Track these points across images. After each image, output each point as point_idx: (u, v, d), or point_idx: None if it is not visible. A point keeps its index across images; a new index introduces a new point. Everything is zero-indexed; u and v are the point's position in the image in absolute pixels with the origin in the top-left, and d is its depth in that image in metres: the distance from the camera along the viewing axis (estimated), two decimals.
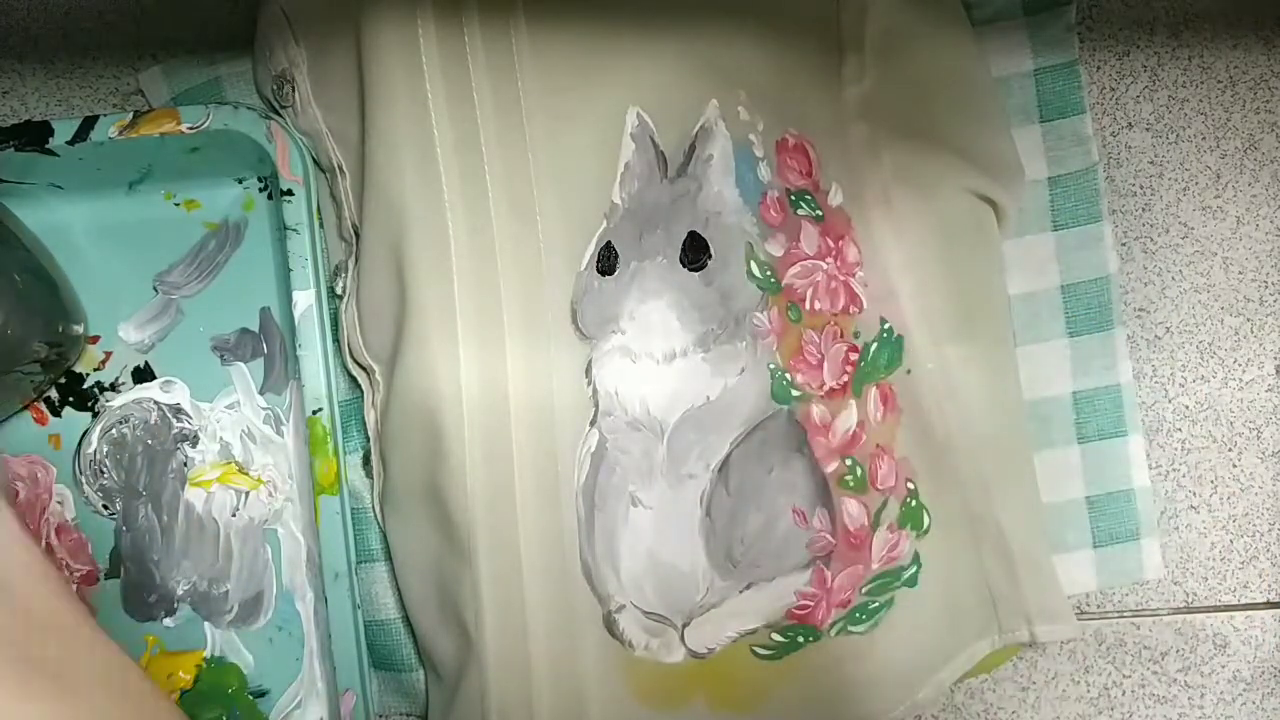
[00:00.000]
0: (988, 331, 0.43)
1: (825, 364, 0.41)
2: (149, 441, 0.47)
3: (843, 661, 0.41)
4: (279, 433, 0.47)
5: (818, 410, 0.41)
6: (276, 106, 0.45)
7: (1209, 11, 0.47)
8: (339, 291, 0.44)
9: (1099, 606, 0.48)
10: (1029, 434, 0.45)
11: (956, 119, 0.43)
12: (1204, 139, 0.48)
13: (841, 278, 0.42)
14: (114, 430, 0.47)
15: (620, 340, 0.41)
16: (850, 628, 0.41)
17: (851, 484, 0.41)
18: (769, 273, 0.41)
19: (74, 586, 0.46)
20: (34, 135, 0.42)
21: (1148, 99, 0.48)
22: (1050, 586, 0.43)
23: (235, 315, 0.47)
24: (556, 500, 0.41)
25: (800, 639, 0.41)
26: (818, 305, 0.41)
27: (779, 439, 0.41)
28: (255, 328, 0.47)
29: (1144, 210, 0.48)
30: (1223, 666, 0.48)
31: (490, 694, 0.40)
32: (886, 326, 0.42)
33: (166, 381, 0.47)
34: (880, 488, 0.41)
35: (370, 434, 0.44)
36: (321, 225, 0.45)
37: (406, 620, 0.45)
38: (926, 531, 0.42)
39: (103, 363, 0.47)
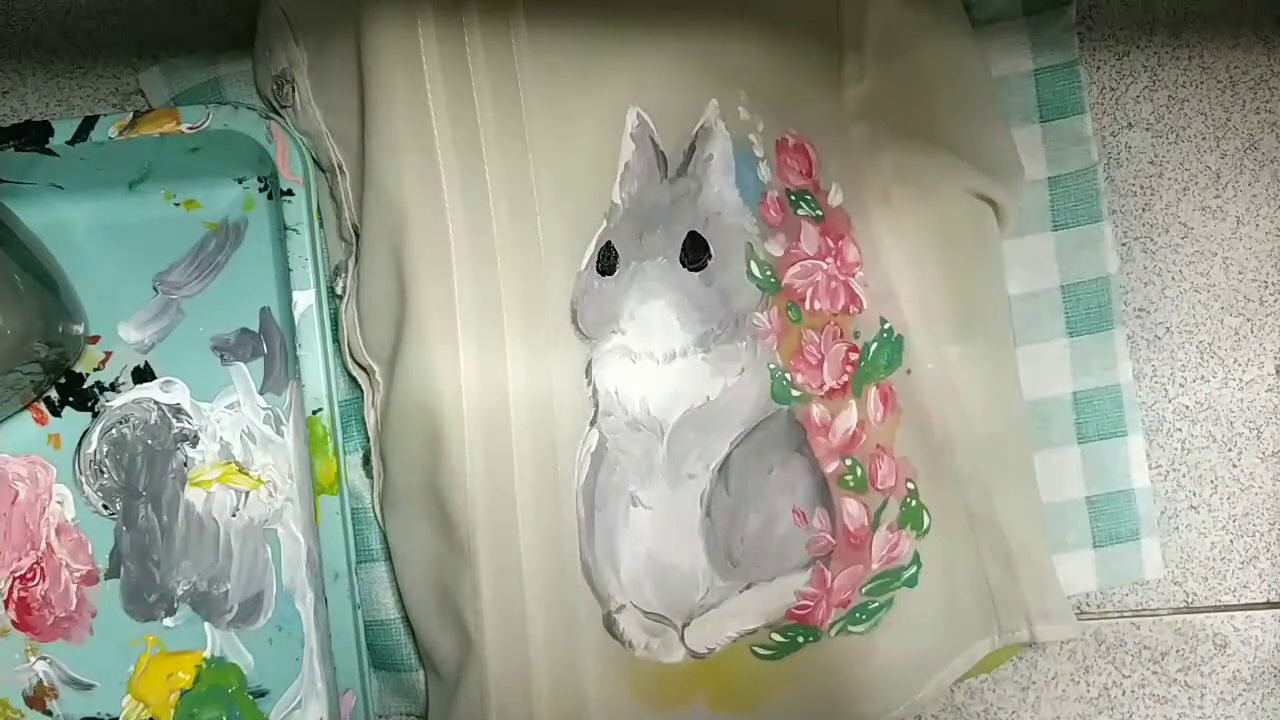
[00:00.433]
0: (988, 331, 0.43)
1: (825, 364, 0.41)
2: (149, 441, 0.47)
3: (843, 662, 0.41)
4: (279, 433, 0.47)
5: (818, 410, 0.41)
6: (276, 106, 0.45)
7: (1209, 11, 0.47)
8: (339, 291, 0.44)
9: (1099, 606, 0.48)
10: (1029, 434, 0.45)
11: (956, 119, 0.43)
12: (1204, 139, 0.48)
13: (841, 278, 0.42)
14: (114, 430, 0.47)
15: (620, 340, 0.41)
16: (850, 628, 0.41)
17: (851, 484, 0.41)
18: (769, 273, 0.41)
19: (74, 586, 0.46)
20: (34, 135, 0.42)
21: (1148, 99, 0.48)
22: (1050, 586, 0.43)
23: (235, 315, 0.47)
24: (556, 500, 0.41)
25: (800, 639, 0.41)
26: (818, 305, 0.41)
27: (779, 439, 0.41)
28: (255, 328, 0.47)
29: (1144, 210, 0.48)
30: (1223, 666, 0.48)
31: (490, 694, 0.40)
32: (886, 326, 0.42)
33: (166, 381, 0.47)
34: (880, 488, 0.41)
35: (370, 434, 0.44)
36: (321, 225, 0.45)
37: (406, 620, 0.45)
38: (926, 531, 0.42)
39: (103, 363, 0.47)
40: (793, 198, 0.42)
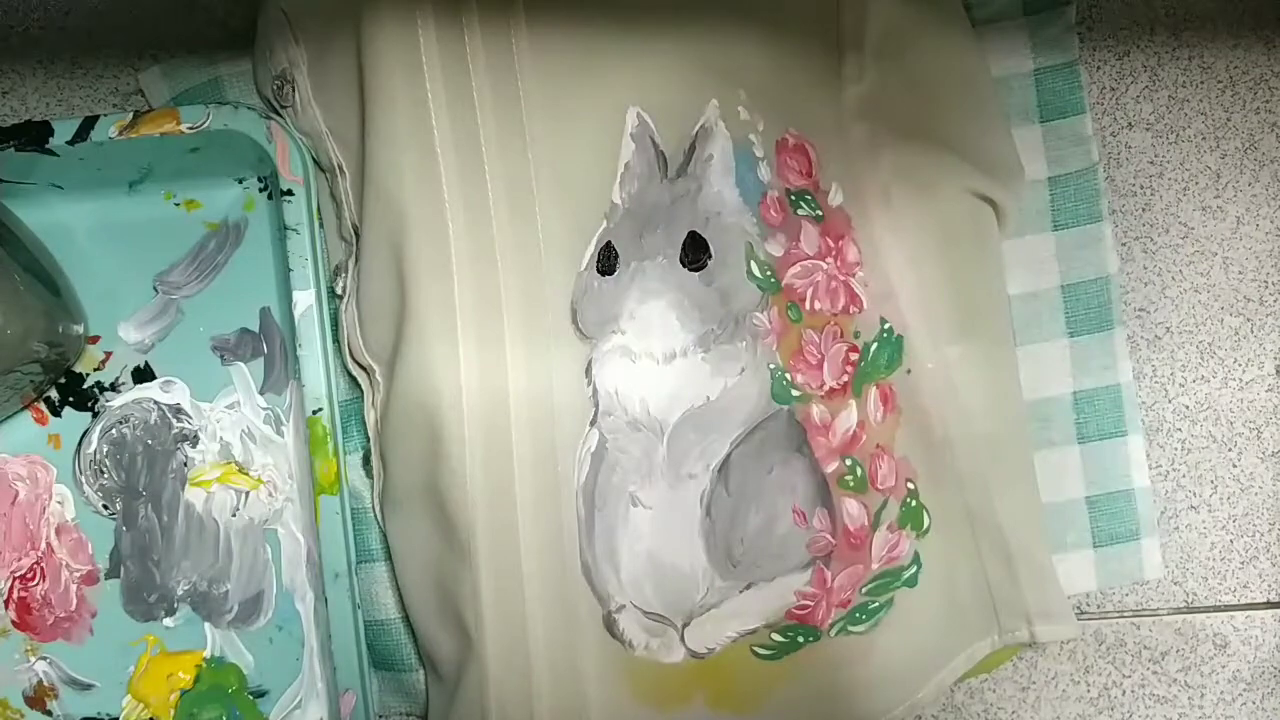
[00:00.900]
0: (988, 331, 0.43)
1: (825, 364, 0.41)
2: (149, 441, 0.47)
3: (842, 662, 0.41)
4: (279, 433, 0.47)
5: (818, 410, 0.41)
6: (276, 106, 0.45)
7: (1209, 11, 0.47)
8: (339, 291, 0.44)
9: (1099, 606, 0.48)
10: (1029, 434, 0.45)
11: (956, 119, 0.43)
12: (1204, 139, 0.48)
13: (841, 277, 0.42)
14: (114, 430, 0.47)
15: (620, 340, 0.41)
16: (850, 628, 0.41)
17: (851, 484, 0.41)
18: (769, 273, 0.41)
19: (74, 586, 0.46)
20: (34, 135, 0.42)
21: (1148, 99, 0.48)
22: (1050, 586, 0.43)
23: (235, 315, 0.47)
24: (556, 500, 0.41)
25: (800, 639, 0.41)
26: (818, 305, 0.41)
27: (779, 439, 0.41)
28: (255, 328, 0.47)
29: (1144, 210, 0.48)
30: (1223, 666, 0.48)
31: (490, 694, 0.40)
32: (886, 326, 0.42)
33: (166, 381, 0.47)
34: (880, 488, 0.41)
35: (370, 434, 0.44)
36: (321, 225, 0.45)
37: (406, 620, 0.45)
38: (926, 531, 0.42)
39: (103, 363, 0.47)
40: (793, 198, 0.42)
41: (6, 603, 0.46)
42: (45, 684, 0.46)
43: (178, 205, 0.47)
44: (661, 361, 0.41)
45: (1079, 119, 0.46)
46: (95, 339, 0.47)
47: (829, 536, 0.41)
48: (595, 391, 0.41)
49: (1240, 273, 0.48)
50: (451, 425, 0.40)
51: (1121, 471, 0.46)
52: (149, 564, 0.46)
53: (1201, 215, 0.48)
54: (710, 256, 0.41)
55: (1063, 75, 0.45)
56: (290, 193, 0.43)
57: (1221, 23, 0.48)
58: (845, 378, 0.41)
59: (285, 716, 0.46)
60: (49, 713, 0.46)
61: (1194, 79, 0.48)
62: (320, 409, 0.43)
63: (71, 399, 0.47)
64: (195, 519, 0.46)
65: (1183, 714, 0.48)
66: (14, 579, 0.46)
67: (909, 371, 0.42)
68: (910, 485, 0.42)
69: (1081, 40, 0.46)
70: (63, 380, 0.47)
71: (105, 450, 0.47)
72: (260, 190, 0.47)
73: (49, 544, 0.46)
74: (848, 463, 0.41)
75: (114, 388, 0.47)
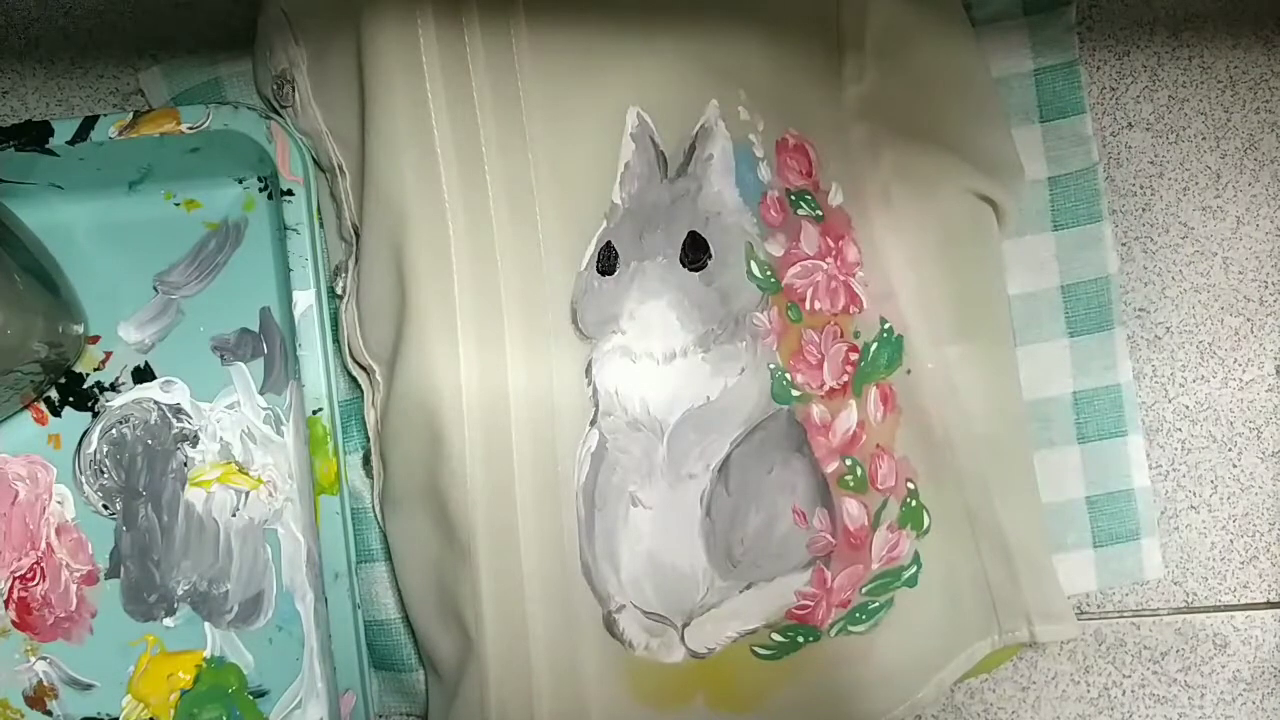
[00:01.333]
0: (988, 331, 0.43)
1: (825, 364, 0.41)
2: (149, 441, 0.47)
3: (842, 662, 0.41)
4: (279, 433, 0.47)
5: (818, 410, 0.41)
6: (276, 106, 0.45)
7: (1209, 11, 0.47)
8: (339, 291, 0.44)
9: (1099, 606, 0.48)
10: (1029, 434, 0.45)
11: (956, 119, 0.43)
12: (1204, 139, 0.48)
13: (841, 277, 0.42)
14: (114, 430, 0.47)
15: (620, 340, 0.41)
16: (850, 628, 0.41)
17: (851, 484, 0.41)
18: (769, 273, 0.41)
19: (74, 586, 0.46)
20: (34, 135, 0.42)
21: (1148, 99, 0.48)
22: (1050, 586, 0.43)
23: (235, 315, 0.47)
24: (556, 500, 0.41)
25: (800, 639, 0.41)
26: (818, 305, 0.41)
27: (779, 439, 0.41)
28: (255, 328, 0.47)
29: (1144, 210, 0.48)
30: (1223, 666, 0.48)
31: (490, 694, 0.40)
32: (886, 326, 0.42)
33: (166, 381, 0.47)
34: (880, 488, 0.41)
35: (370, 434, 0.44)
36: (321, 225, 0.45)
37: (406, 620, 0.45)
38: (926, 531, 0.42)
39: (103, 363, 0.47)
40: (793, 197, 0.42)
41: (6, 603, 0.46)
42: (45, 684, 0.46)
43: (178, 205, 0.47)
44: (661, 361, 0.41)
45: (1079, 119, 0.46)
46: (95, 339, 0.47)
47: (829, 536, 0.41)
48: (595, 391, 0.41)
49: (1240, 273, 0.48)
50: (451, 425, 0.40)
51: (1121, 471, 0.46)
52: (149, 564, 0.46)
53: (1201, 215, 0.48)
54: (710, 256, 0.41)
55: (1063, 75, 0.45)
56: (290, 193, 0.43)
57: (1221, 23, 0.48)
58: (845, 378, 0.41)
59: (285, 716, 0.46)
60: (49, 713, 0.46)
61: (1194, 79, 0.48)
62: (320, 409, 0.43)
63: (71, 399, 0.47)
64: (195, 519, 0.46)
65: (1183, 714, 0.48)
66: (14, 579, 0.46)
67: (909, 371, 0.42)
68: (910, 485, 0.42)
69: (1081, 40, 0.46)
70: (63, 380, 0.47)
71: (105, 450, 0.47)
72: (260, 190, 0.47)
73: (49, 544, 0.46)
74: (848, 463, 0.41)
75: (114, 388, 0.47)
